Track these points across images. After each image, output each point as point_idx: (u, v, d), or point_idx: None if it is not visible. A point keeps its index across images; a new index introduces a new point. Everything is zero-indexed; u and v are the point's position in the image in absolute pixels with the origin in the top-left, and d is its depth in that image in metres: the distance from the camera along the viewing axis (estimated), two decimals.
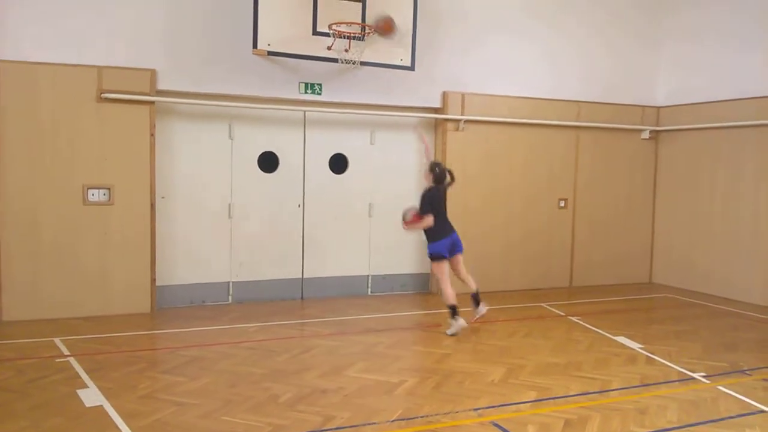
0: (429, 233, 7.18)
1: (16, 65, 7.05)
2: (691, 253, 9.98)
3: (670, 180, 10.34)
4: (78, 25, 7.30)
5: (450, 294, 7.11)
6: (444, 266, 7.19)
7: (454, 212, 9.15)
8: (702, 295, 9.55)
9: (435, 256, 7.17)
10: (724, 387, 5.59)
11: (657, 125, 10.42)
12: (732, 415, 4.98)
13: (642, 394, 5.42)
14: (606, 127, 10.07)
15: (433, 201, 7.12)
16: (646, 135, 10.36)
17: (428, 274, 9.43)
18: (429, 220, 7.06)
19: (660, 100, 10.47)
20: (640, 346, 6.84)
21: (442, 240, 7.15)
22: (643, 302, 9.34)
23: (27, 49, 7.10)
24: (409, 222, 7.24)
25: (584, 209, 10.10)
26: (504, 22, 9.38)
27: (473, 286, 7.37)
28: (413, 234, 9.28)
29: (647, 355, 6.51)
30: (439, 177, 7.20)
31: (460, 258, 7.33)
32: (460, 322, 7.09)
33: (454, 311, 7.08)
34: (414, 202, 9.20)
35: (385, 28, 7.56)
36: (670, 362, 6.29)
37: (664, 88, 10.42)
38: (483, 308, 7.35)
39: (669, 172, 10.36)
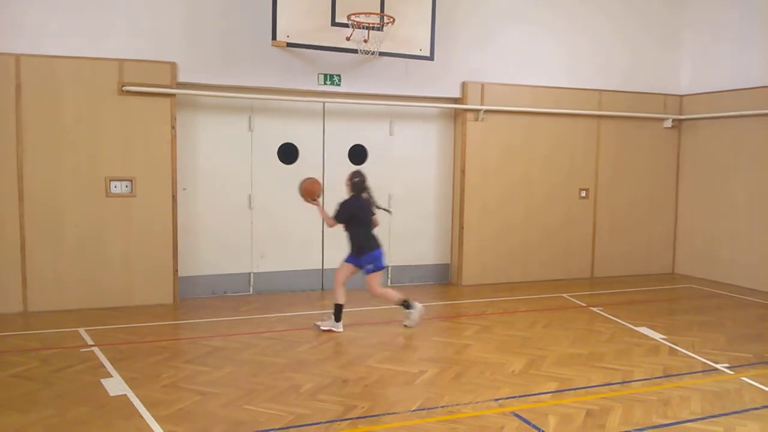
0: (362, 245, 6.79)
1: (38, 59, 7.12)
2: (714, 243, 9.86)
3: (693, 169, 10.21)
4: (98, 18, 7.35)
5: (393, 295, 6.96)
6: (350, 273, 6.91)
7: (472, 204, 9.18)
8: (725, 285, 9.44)
9: (377, 269, 6.83)
10: (749, 378, 5.53)
11: (680, 114, 10.29)
12: (756, 406, 4.93)
13: (665, 385, 5.38)
14: (627, 116, 9.96)
15: (353, 210, 6.75)
16: (668, 124, 10.23)
17: (448, 264, 9.42)
18: (332, 223, 6.80)
19: (683, 88, 10.33)
20: (663, 336, 6.78)
21: (378, 249, 6.83)
22: (665, 293, 9.26)
23: (48, 43, 7.17)
24: (305, 193, 6.82)
25: (606, 199, 10.01)
26: (523, 10, 9.30)
27: (339, 299, 6.89)
28: (434, 225, 9.30)
29: (670, 346, 6.46)
30: (357, 186, 6.79)
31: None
32: (417, 309, 6.93)
33: (407, 305, 6.92)
34: (432, 192, 9.26)
35: (309, 191, 6.83)
36: (693, 353, 6.24)
37: (687, 77, 10.28)
38: (340, 326, 6.89)
39: (692, 162, 10.24)
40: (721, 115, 9.62)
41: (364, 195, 6.87)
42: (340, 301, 6.83)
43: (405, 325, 7.03)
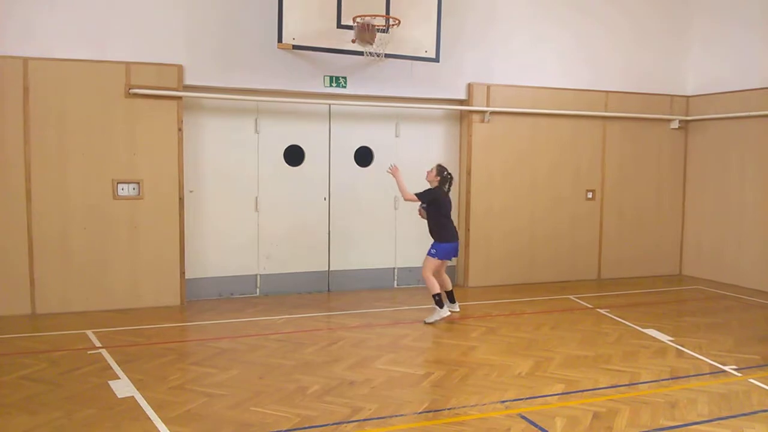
0: (438, 232, 7.38)
1: (45, 63, 7.15)
2: (721, 245, 9.83)
3: (700, 170, 10.18)
4: (105, 21, 7.38)
5: (435, 285, 7.32)
6: (437, 264, 7.43)
7: (478, 205, 9.17)
8: (733, 287, 9.41)
9: (437, 255, 7.35)
10: (756, 380, 5.51)
11: (686, 115, 10.26)
12: (764, 408, 4.92)
13: (672, 387, 5.37)
14: (634, 117, 9.94)
15: (438, 198, 7.29)
16: (675, 125, 10.20)
17: (454, 266, 9.42)
18: (412, 197, 7.25)
19: (689, 89, 10.30)
20: (670, 338, 6.76)
21: (450, 243, 7.39)
22: (672, 294, 9.23)
23: (55, 46, 7.20)
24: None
25: (612, 200, 9.99)
26: (529, 12, 9.29)
27: (449, 285, 7.73)
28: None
29: (677, 348, 6.44)
30: (446, 180, 7.38)
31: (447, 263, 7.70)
32: (444, 311, 7.30)
33: (440, 300, 7.31)
34: None
35: (366, 31, 7.40)
36: (700, 355, 6.22)
37: (694, 78, 10.25)
38: (457, 306, 7.74)
39: (699, 163, 10.21)
40: (728, 116, 9.58)
41: (445, 190, 7.38)
42: (435, 291, 7.31)
43: (424, 321, 7.28)
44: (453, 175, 7.53)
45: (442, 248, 7.34)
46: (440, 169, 7.40)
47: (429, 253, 7.38)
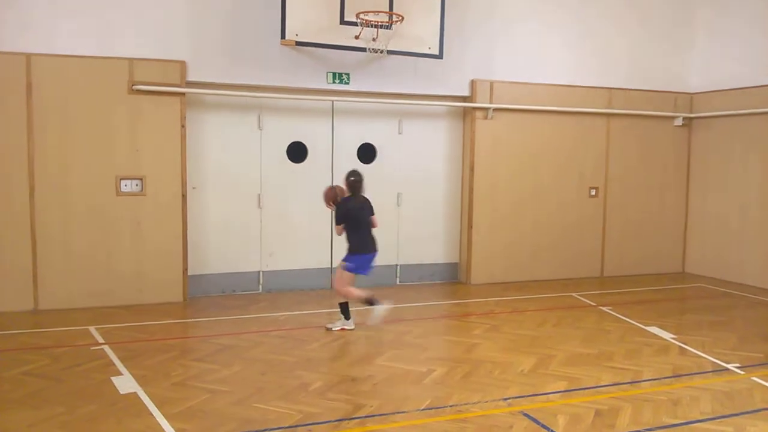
0: (354, 243, 6.71)
1: (49, 58, 7.15)
2: (725, 243, 9.80)
3: (704, 168, 10.15)
4: (108, 18, 7.38)
5: (356, 292, 6.71)
6: (352, 278, 6.73)
7: (481, 202, 9.15)
8: (736, 285, 9.38)
9: (354, 270, 6.70)
10: (759, 378, 5.50)
11: (690, 112, 10.23)
12: (767, 406, 4.90)
13: (674, 385, 5.36)
14: (637, 114, 9.92)
15: (348, 212, 6.67)
16: (679, 122, 10.17)
17: (457, 263, 9.42)
18: (338, 230, 6.73)
19: (693, 86, 10.26)
20: (673, 336, 6.75)
21: (364, 255, 6.70)
22: (675, 292, 9.21)
23: (59, 42, 7.21)
24: (326, 202, 6.86)
25: (615, 198, 9.97)
26: (533, 7, 9.27)
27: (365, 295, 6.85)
28: (443, 224, 9.30)
29: (680, 346, 6.43)
30: (354, 186, 6.69)
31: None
32: (387, 305, 6.70)
33: (371, 302, 6.69)
34: (440, 190, 9.26)
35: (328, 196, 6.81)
36: (703, 353, 6.21)
37: (697, 75, 10.21)
38: (352, 323, 6.89)
39: (702, 160, 10.18)
40: (732, 113, 9.55)
41: (360, 197, 6.74)
42: (363, 296, 6.68)
43: (369, 324, 6.78)
44: (361, 179, 6.74)
45: (360, 260, 6.68)
46: (347, 176, 6.75)
47: (346, 267, 6.69)
